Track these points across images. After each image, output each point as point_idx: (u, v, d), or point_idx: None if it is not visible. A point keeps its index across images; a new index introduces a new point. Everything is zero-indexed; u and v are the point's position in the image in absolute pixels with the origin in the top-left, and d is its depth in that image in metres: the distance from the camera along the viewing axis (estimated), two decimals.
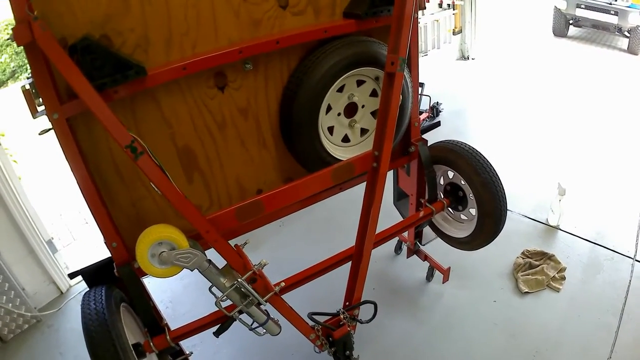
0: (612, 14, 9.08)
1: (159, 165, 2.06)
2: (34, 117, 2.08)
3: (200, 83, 2.36)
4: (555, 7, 10.14)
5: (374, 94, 2.82)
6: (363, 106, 2.84)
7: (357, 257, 2.79)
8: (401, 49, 2.38)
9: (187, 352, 2.82)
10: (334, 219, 4.79)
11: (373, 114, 2.88)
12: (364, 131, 2.94)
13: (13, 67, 12.44)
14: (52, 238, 4.32)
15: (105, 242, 2.30)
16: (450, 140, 3.16)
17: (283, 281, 2.60)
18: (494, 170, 2.96)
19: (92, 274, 2.49)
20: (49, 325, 4.00)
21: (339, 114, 2.77)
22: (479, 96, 7.70)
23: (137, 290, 2.39)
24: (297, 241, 4.64)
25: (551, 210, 4.44)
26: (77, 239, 5.03)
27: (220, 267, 2.33)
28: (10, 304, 3.79)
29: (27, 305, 3.91)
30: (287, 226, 4.74)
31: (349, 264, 2.88)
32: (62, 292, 4.31)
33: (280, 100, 2.62)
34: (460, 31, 9.04)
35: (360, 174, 2.84)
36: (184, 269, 2.18)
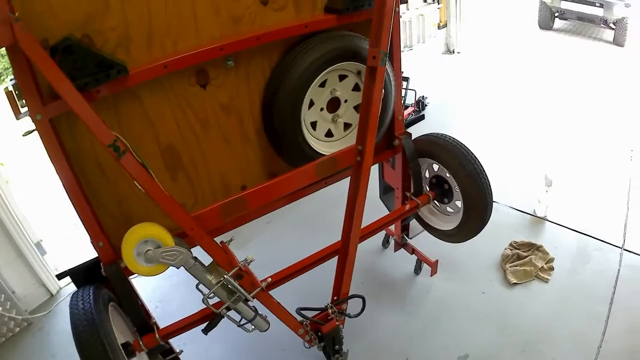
0: (597, 6, 9.14)
1: (142, 163, 2.07)
2: (18, 118, 2.08)
3: (182, 81, 2.36)
4: None
5: (356, 88, 2.83)
6: (346, 101, 2.86)
7: (343, 251, 2.80)
8: (382, 42, 2.39)
9: (177, 350, 2.83)
10: (322, 213, 4.79)
11: (356, 108, 2.90)
12: (347, 126, 2.95)
13: None
14: (41, 240, 4.30)
15: (91, 242, 2.30)
16: (434, 133, 3.18)
17: (270, 277, 2.61)
18: (479, 162, 2.98)
19: (80, 274, 2.49)
20: (40, 327, 3.99)
21: (321, 109, 2.79)
22: (465, 90, 7.74)
23: (124, 290, 2.39)
24: (285, 237, 4.64)
25: (538, 201, 4.47)
26: (67, 242, 4.99)
27: (206, 265, 2.34)
28: (1, 308, 3.77)
29: (18, 309, 3.90)
30: (275, 222, 4.75)
31: (337, 258, 2.88)
32: (52, 295, 4.30)
33: (262, 96, 2.63)
34: (446, 25, 9.09)
35: (344, 168, 2.85)
36: (171, 267, 2.19)
